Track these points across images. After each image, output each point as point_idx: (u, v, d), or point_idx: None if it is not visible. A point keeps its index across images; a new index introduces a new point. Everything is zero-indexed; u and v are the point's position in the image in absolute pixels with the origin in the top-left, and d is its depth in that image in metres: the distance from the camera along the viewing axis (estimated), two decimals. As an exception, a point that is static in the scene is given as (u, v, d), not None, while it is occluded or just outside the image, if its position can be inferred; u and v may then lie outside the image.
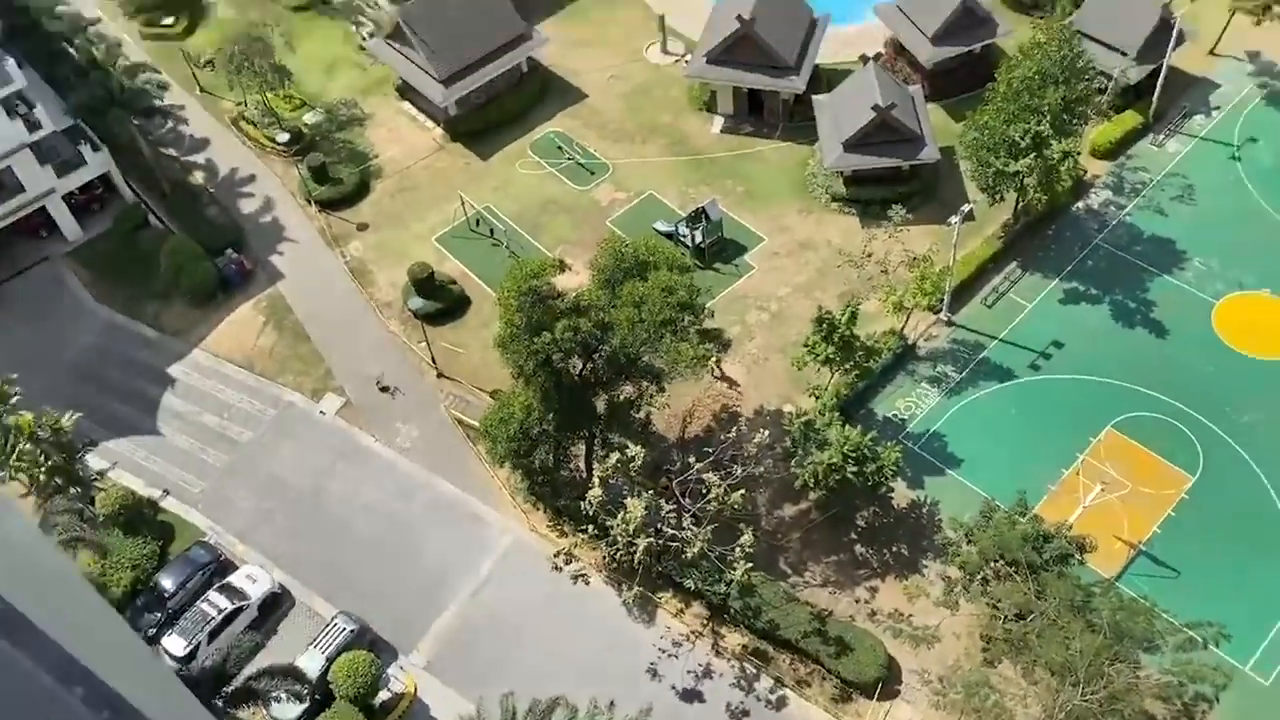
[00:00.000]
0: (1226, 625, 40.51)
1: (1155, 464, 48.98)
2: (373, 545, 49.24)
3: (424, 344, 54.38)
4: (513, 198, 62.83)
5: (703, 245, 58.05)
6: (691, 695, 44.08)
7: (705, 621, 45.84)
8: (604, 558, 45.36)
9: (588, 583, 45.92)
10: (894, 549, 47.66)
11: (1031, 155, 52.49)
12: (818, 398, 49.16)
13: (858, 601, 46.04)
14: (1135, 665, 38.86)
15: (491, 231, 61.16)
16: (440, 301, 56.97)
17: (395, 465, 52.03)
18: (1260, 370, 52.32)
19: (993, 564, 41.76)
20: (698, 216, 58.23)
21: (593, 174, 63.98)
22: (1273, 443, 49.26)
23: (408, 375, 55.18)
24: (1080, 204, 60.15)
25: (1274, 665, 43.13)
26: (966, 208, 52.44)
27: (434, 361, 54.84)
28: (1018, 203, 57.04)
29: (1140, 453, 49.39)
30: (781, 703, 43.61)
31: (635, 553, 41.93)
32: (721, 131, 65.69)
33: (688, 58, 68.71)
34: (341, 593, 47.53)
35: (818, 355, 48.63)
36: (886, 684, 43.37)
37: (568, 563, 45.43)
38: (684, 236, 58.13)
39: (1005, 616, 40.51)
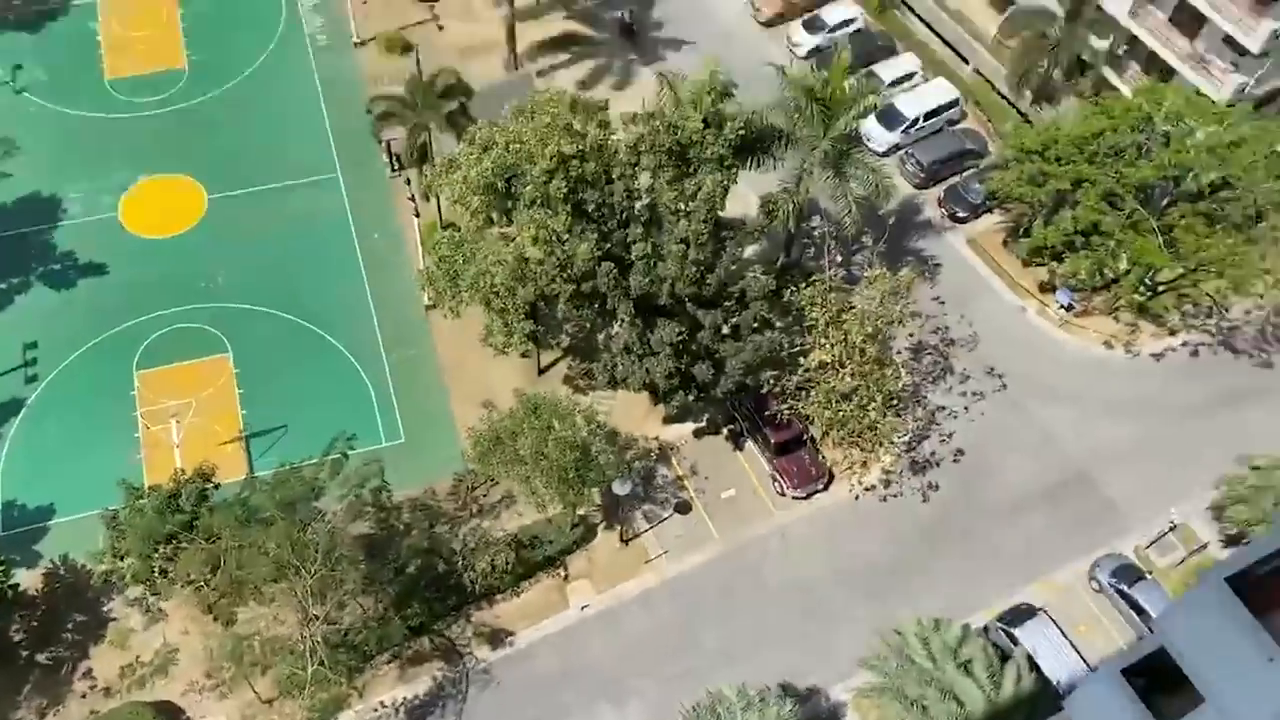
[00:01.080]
0: (345, 430, 44.65)
1: (194, 368, 49.91)
2: None
3: None
4: None
5: None
6: None
7: None
8: None
9: None
10: (71, 631, 43.29)
11: None
12: None
13: (84, 696, 41.51)
14: (320, 514, 41.45)
15: None
16: None
17: None
18: (177, 243, 54.31)
19: (156, 555, 40.06)
20: None
21: None
22: (248, 281, 52.58)
23: None
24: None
25: (396, 430, 48.54)
26: None
27: None
28: None
29: (175, 370, 49.81)
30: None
31: None
32: None
33: None
34: None
35: None
36: (176, 723, 40.76)
37: None
38: None
39: (207, 582, 39.68)
